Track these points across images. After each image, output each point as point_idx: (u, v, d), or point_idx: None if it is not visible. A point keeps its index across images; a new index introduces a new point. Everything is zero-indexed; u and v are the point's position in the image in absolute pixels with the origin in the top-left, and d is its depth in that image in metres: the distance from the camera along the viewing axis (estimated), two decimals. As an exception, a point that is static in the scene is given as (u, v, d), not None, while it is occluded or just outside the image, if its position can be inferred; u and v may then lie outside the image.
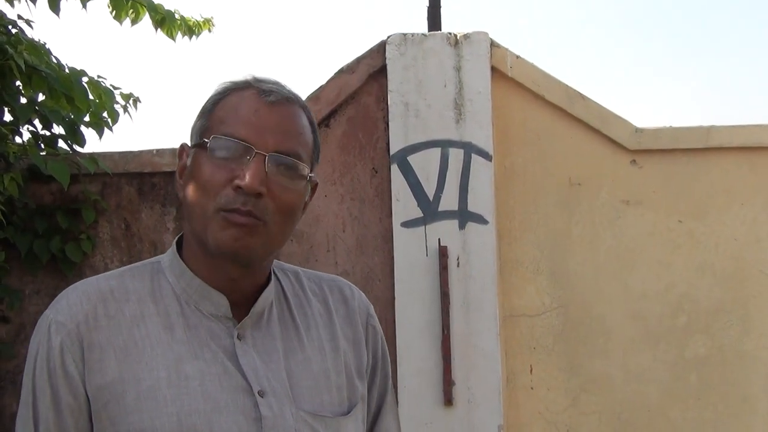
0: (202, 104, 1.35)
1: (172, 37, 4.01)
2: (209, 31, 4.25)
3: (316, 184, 1.40)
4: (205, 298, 1.32)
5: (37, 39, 3.44)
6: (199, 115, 1.34)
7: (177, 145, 1.38)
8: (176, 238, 1.38)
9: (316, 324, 1.41)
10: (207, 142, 1.28)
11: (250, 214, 1.25)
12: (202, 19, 4.19)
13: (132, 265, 1.38)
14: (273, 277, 1.40)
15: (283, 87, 1.34)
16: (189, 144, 1.36)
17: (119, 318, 1.29)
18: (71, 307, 1.29)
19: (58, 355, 1.25)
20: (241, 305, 1.33)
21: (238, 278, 1.32)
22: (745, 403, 3.39)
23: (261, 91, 1.30)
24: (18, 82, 3.33)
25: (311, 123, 1.36)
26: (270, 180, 1.26)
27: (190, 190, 1.30)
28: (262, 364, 1.30)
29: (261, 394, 1.28)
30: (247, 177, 1.24)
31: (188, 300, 1.32)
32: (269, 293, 1.37)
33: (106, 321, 1.28)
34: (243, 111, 1.29)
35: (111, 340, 1.27)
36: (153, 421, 1.22)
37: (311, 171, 1.34)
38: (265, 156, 1.26)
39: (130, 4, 3.84)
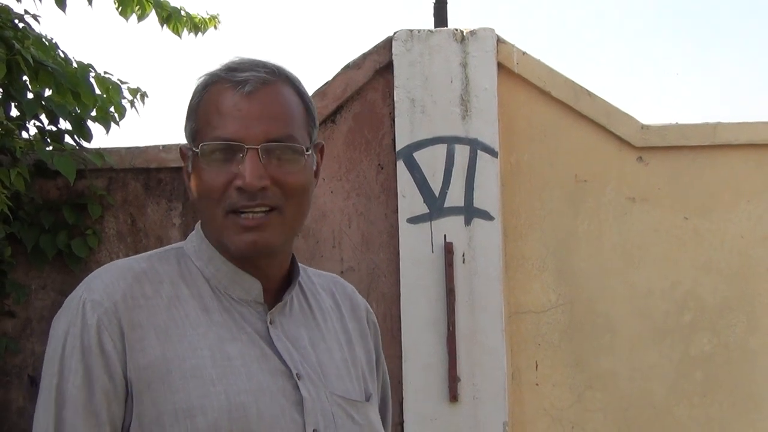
0: (188, 102, 1.33)
1: (178, 33, 4.02)
2: (215, 28, 4.26)
3: (322, 146, 1.38)
4: (236, 283, 1.31)
5: (44, 34, 3.45)
6: (187, 115, 1.32)
7: (183, 142, 1.37)
8: (198, 223, 1.36)
9: (330, 317, 1.41)
10: (198, 151, 1.26)
11: (262, 205, 1.25)
12: (208, 17, 4.20)
13: (154, 251, 1.37)
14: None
15: (258, 69, 1.29)
16: (186, 146, 1.34)
17: (156, 299, 1.27)
18: (107, 286, 1.26)
19: (95, 334, 1.22)
20: (267, 291, 1.33)
21: (264, 266, 1.32)
22: (751, 401, 3.39)
23: (236, 83, 1.26)
24: (25, 77, 3.34)
25: (298, 91, 1.32)
26: (269, 170, 1.25)
27: (197, 197, 1.30)
28: (294, 350, 1.31)
29: (298, 377, 1.28)
30: (246, 176, 1.23)
31: (217, 285, 1.31)
32: (297, 278, 1.38)
33: (144, 301, 1.26)
34: (224, 108, 1.26)
35: (151, 319, 1.25)
36: (201, 400, 1.21)
37: (311, 139, 1.32)
38: (257, 149, 1.24)
39: (136, 0, 3.85)
